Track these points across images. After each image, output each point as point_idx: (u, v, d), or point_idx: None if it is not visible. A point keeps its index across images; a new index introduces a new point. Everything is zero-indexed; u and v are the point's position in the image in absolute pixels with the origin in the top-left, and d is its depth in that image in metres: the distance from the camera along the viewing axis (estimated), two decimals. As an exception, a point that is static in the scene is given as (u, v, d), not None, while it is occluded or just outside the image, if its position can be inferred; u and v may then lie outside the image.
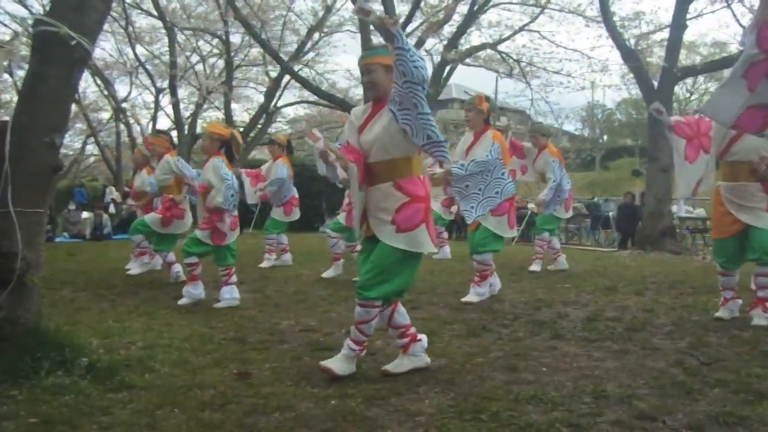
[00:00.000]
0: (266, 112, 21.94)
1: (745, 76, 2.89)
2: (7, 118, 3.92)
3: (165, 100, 23.97)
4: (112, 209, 21.24)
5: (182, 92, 23.14)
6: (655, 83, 13.53)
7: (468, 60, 17.84)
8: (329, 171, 4.00)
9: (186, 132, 21.06)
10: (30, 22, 5.45)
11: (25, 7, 18.85)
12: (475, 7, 16.02)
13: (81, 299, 6.66)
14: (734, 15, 15.32)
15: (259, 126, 22.22)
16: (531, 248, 9.61)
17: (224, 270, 6.41)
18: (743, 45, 3.31)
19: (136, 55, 22.48)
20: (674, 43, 13.41)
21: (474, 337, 4.91)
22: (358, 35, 15.12)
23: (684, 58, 19.99)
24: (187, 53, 22.40)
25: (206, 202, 6.35)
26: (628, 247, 13.82)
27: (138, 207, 8.64)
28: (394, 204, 3.85)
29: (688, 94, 36.19)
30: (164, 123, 27.51)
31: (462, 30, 16.15)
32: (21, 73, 17.10)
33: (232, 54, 21.37)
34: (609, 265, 9.72)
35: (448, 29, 16.50)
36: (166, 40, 20.45)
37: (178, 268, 7.95)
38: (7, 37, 17.65)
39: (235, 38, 21.15)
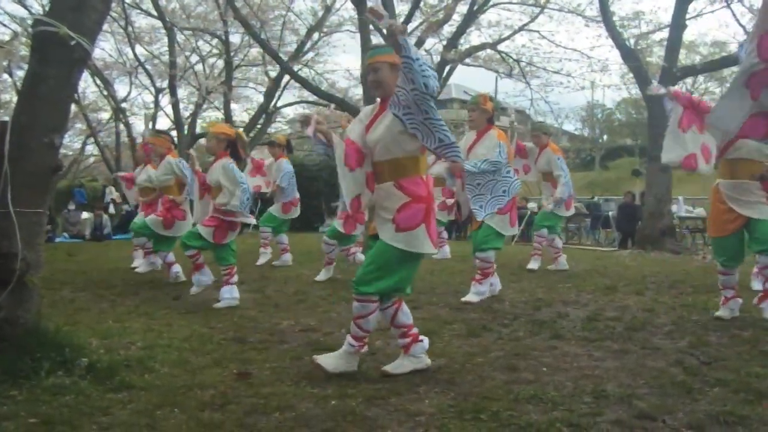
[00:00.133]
0: (266, 112, 21.95)
1: (747, 86, 2.90)
2: (6, 119, 3.92)
3: (164, 100, 23.99)
4: (111, 209, 21.24)
5: (182, 92, 23.19)
6: (655, 83, 13.51)
7: (468, 60, 17.83)
8: (316, 144, 4.10)
9: (186, 132, 21.07)
10: (29, 22, 5.45)
11: (25, 7, 18.85)
12: (475, 7, 16.01)
13: (81, 299, 6.66)
14: (734, 15, 15.36)
15: (259, 126, 22.23)
16: (531, 248, 9.60)
17: (226, 269, 6.42)
18: (742, 55, 3.32)
19: (135, 55, 22.48)
20: (674, 43, 13.41)
21: (474, 337, 4.91)
22: (358, 35, 15.10)
23: (684, 58, 19.98)
24: (187, 53, 22.41)
25: (215, 202, 6.36)
26: (628, 247, 13.83)
27: (145, 202, 8.61)
28: (396, 204, 3.87)
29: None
30: (164, 123, 27.54)
31: (462, 30, 16.15)
32: (21, 74, 17.08)
33: (232, 54, 21.37)
34: (609, 265, 9.72)
35: (448, 29, 16.50)
36: (165, 40, 20.47)
37: (177, 268, 7.96)
38: (7, 38, 17.64)
39: (235, 38, 21.18)
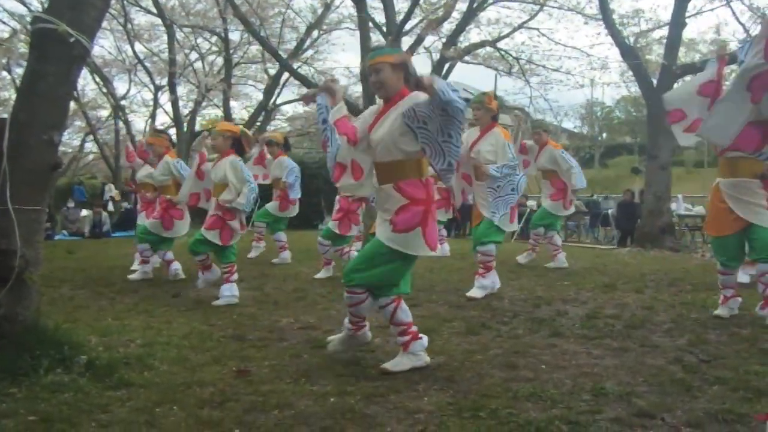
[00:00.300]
0: (265, 109, 21.96)
1: (748, 89, 2.86)
2: (5, 116, 3.91)
3: (164, 98, 23.98)
4: (111, 207, 21.23)
5: (181, 90, 23.19)
6: (655, 81, 13.53)
7: (467, 57, 17.83)
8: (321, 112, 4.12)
9: (185, 129, 21.05)
10: (28, 19, 5.44)
11: (24, 4, 18.80)
12: (475, 5, 15.99)
13: (80, 297, 6.66)
14: (733, 12, 15.31)
15: (258, 123, 22.21)
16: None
17: (226, 267, 6.43)
18: (742, 56, 3.28)
19: (135, 52, 22.48)
20: (673, 41, 13.41)
21: (473, 335, 4.91)
22: (357, 33, 15.09)
23: (683, 56, 19.96)
24: (186, 51, 22.39)
25: (219, 199, 6.36)
26: (628, 245, 13.82)
27: (145, 199, 8.58)
28: (394, 205, 3.91)
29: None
30: (163, 120, 27.51)
31: (461, 27, 16.11)
32: (20, 71, 17.08)
33: (231, 51, 21.37)
34: (608, 263, 9.71)
35: (448, 26, 16.46)
36: (165, 37, 20.45)
37: (177, 265, 7.97)
38: (6, 35, 17.64)
39: (234, 35, 21.18)
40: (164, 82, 22.41)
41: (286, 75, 20.11)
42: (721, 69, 5.19)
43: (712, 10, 15.09)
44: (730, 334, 4.91)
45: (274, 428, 3.04)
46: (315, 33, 20.23)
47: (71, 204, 18.04)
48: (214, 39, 22.10)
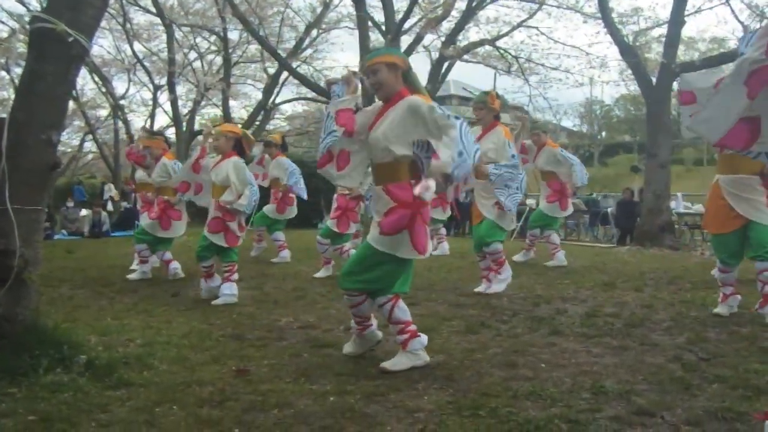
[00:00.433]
0: (264, 108, 21.96)
1: (746, 84, 2.81)
2: (4, 116, 3.91)
3: (163, 97, 24.03)
4: (110, 207, 21.22)
5: (180, 89, 23.19)
6: (654, 79, 13.53)
7: (466, 56, 17.85)
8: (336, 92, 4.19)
9: (184, 129, 21.05)
10: (27, 18, 5.43)
11: (23, 4, 18.80)
12: (474, 3, 16.00)
13: (79, 296, 6.66)
14: (732, 11, 15.34)
15: (258, 123, 22.22)
16: (529, 244, 9.65)
17: (227, 266, 6.42)
18: (743, 48, 3.24)
19: (134, 52, 22.49)
20: (672, 39, 13.41)
21: (473, 334, 4.91)
22: (356, 32, 15.10)
23: (682, 54, 19.98)
24: (185, 50, 22.41)
25: (220, 200, 6.35)
26: (627, 243, 13.83)
27: (152, 199, 8.57)
28: (384, 207, 3.96)
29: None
30: (162, 120, 27.54)
31: (460, 26, 16.13)
32: (18, 71, 17.07)
33: (230, 51, 21.38)
34: (608, 261, 9.72)
35: (447, 25, 16.50)
36: (164, 36, 20.46)
37: (175, 265, 7.97)
38: (5, 34, 17.62)
39: (233, 35, 21.20)
40: (163, 81, 22.43)
41: (285, 74, 20.14)
42: None
43: (711, 8, 15.13)
44: (729, 332, 4.91)
45: (274, 427, 3.03)
46: (314, 32, 20.24)
47: (71, 203, 18.03)
48: (213, 38, 22.11)
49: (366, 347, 4.27)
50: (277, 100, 24.18)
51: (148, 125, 25.06)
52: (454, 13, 15.79)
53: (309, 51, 21.79)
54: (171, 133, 22.13)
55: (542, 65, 18.73)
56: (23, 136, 3.84)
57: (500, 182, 6.32)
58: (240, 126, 8.45)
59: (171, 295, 6.76)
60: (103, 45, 29.59)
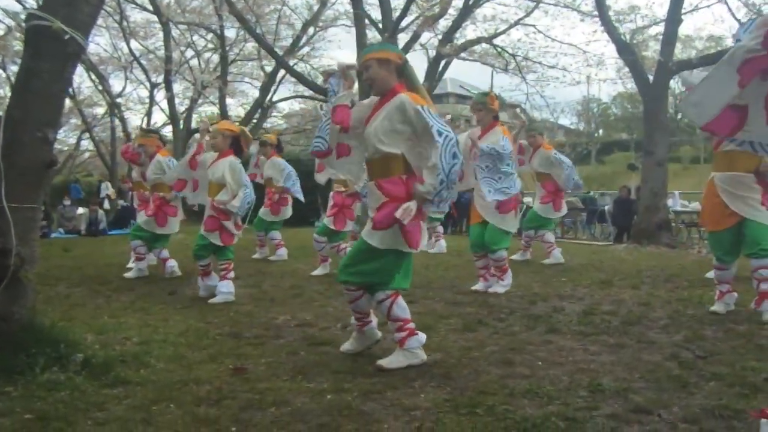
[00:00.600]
0: (261, 106, 21.94)
1: (739, 71, 2.81)
2: (0, 113, 3.90)
3: (160, 95, 23.99)
4: (107, 205, 21.20)
5: (177, 87, 23.13)
6: (651, 77, 13.53)
7: (463, 54, 17.83)
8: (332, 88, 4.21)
9: (181, 127, 21.02)
10: (23, 16, 5.42)
11: (19, 1, 18.74)
12: (471, 1, 15.99)
13: (76, 295, 6.65)
14: (729, 9, 15.35)
15: (255, 121, 22.19)
16: (527, 242, 9.66)
17: (223, 264, 6.42)
18: (741, 34, 3.22)
19: (130, 49, 22.45)
20: (669, 37, 13.41)
21: (470, 332, 4.91)
22: (353, 30, 15.08)
23: (679, 52, 20.01)
24: (182, 48, 22.36)
25: (215, 199, 6.34)
26: (624, 241, 13.84)
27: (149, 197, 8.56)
28: (376, 203, 3.99)
29: (683, 88, 36.17)
30: (159, 118, 27.44)
31: (457, 24, 16.13)
32: (14, 68, 17.03)
33: (227, 49, 21.34)
34: (605, 259, 9.73)
35: (444, 23, 16.48)
36: (160, 34, 20.41)
37: (172, 263, 7.96)
38: (1, 32, 17.56)
39: (230, 33, 21.16)
40: (160, 79, 22.39)
41: (282, 72, 20.13)
42: None
43: (708, 6, 15.09)
44: (726, 330, 4.92)
45: (271, 425, 3.03)
46: (311, 30, 20.20)
47: (67, 202, 18.01)
48: (210, 36, 22.08)
49: (365, 345, 4.28)
50: (275, 98, 24.19)
51: (144, 123, 25.07)
52: (451, 11, 15.78)
53: (306, 49, 21.80)
54: (168, 131, 22.09)
55: (539, 63, 18.73)
56: (19, 134, 3.83)
57: (481, 162, 6.32)
58: (237, 124, 8.43)
59: (168, 293, 6.75)
60: (99, 43, 29.58)
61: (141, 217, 8.28)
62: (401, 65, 4.05)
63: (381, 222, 3.88)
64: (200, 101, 23.74)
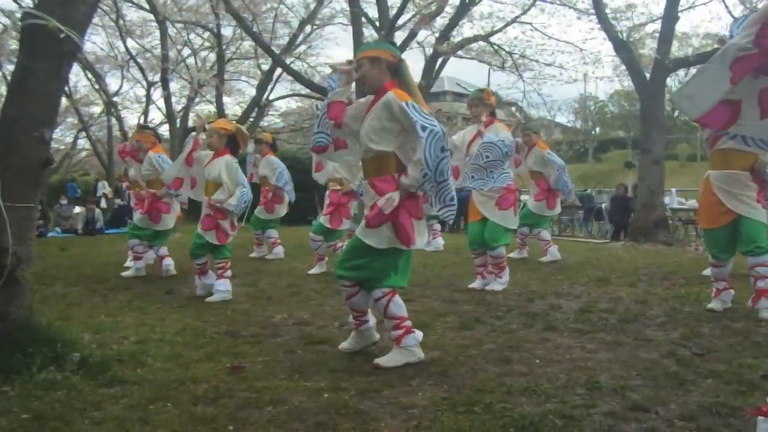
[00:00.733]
0: (258, 105, 21.88)
1: (731, 68, 2.81)
2: (-5, 112, 3.89)
3: (156, 94, 23.89)
4: (104, 204, 21.16)
5: (174, 86, 23.03)
6: (648, 75, 13.53)
7: (460, 52, 17.77)
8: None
9: (178, 125, 20.97)
10: (18, 15, 5.40)
11: (14, 0, 18.68)
12: (467, -1, 15.97)
13: (73, 294, 6.64)
14: (726, 6, 15.34)
15: (252, 119, 22.15)
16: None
17: (220, 263, 6.41)
18: (735, 30, 3.23)
19: (127, 48, 22.35)
20: (666, 35, 13.41)
21: (467, 330, 4.92)
22: (350, 27, 15.07)
23: (676, 50, 20.00)
24: (179, 46, 22.27)
25: (211, 198, 6.34)
26: (621, 239, 13.84)
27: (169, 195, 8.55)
28: (370, 201, 4.03)
29: (680, 86, 36.19)
30: (156, 117, 27.44)
31: (454, 22, 16.08)
32: (10, 68, 16.97)
33: (224, 47, 21.27)
34: (602, 257, 9.73)
35: (440, 21, 16.42)
36: (157, 33, 20.30)
37: (168, 261, 7.96)
38: (-3, 31, 17.49)
39: (227, 31, 21.06)
40: (157, 78, 22.31)
41: (279, 71, 20.07)
42: None
43: (704, 4, 15.10)
44: (723, 327, 4.92)
45: (268, 424, 3.03)
46: (308, 28, 20.16)
47: (64, 201, 17.97)
48: (206, 35, 22.00)
49: (362, 345, 4.29)
50: (271, 97, 24.10)
51: (141, 121, 25.00)
52: (447, 9, 15.72)
53: (303, 47, 21.73)
54: (165, 130, 22.05)
55: (536, 61, 18.67)
56: (15, 134, 3.82)
57: (477, 160, 6.36)
58: (234, 122, 8.43)
59: (165, 292, 6.75)
60: (96, 42, 29.65)
61: (136, 216, 8.29)
62: (395, 63, 4.05)
63: (373, 220, 3.91)
64: (197, 100, 23.63)
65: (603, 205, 16.42)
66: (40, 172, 4.02)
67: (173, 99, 21.64)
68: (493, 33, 18.02)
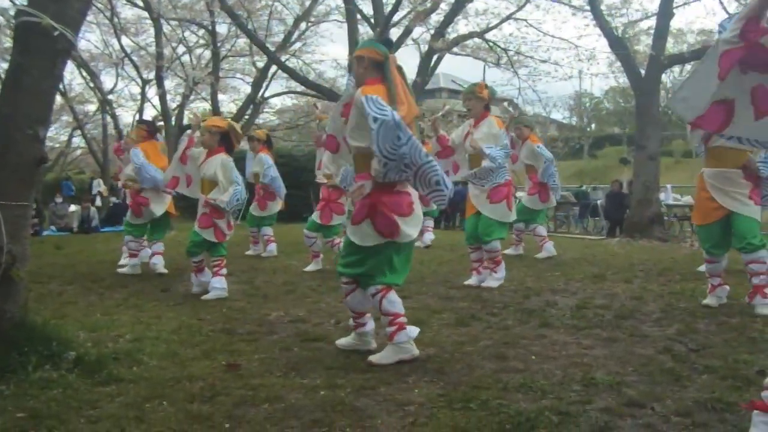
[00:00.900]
0: (253, 102, 21.85)
1: (719, 64, 2.83)
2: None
3: (151, 92, 23.84)
4: (99, 202, 21.11)
5: (169, 83, 23.00)
6: (643, 71, 13.55)
7: (455, 49, 17.79)
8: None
9: (173, 123, 20.93)
10: (12, 12, 5.38)
11: (9, -3, 18.62)
12: (462, -4, 15.95)
13: (69, 293, 6.63)
14: (721, 2, 15.34)
15: (247, 117, 22.12)
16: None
17: (217, 260, 6.41)
18: (726, 26, 3.25)
19: (121, 46, 22.29)
20: (661, 31, 13.42)
21: (463, 326, 4.92)
22: (345, 24, 15.05)
23: (671, 47, 20.03)
24: (174, 44, 22.24)
25: (207, 197, 6.33)
26: (617, 235, 13.85)
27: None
28: (356, 199, 4.08)
29: (675, 90, 36.22)
30: (151, 114, 27.27)
31: (449, 19, 16.07)
32: (4, 65, 16.93)
33: (219, 44, 21.24)
34: (597, 253, 9.75)
35: (436, 18, 16.42)
36: (152, 30, 20.28)
37: (156, 260, 7.94)
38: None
39: (222, 29, 21.03)
40: (152, 75, 22.25)
41: (274, 68, 20.02)
42: None
43: (699, 0, 15.14)
44: (718, 323, 4.94)
45: (265, 422, 3.03)
46: (303, 25, 20.13)
47: (59, 199, 17.92)
48: (201, 32, 21.96)
49: (359, 347, 4.28)
50: (267, 94, 24.07)
51: (137, 119, 24.92)
52: (442, 5, 15.72)
53: (298, 44, 21.69)
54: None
55: (531, 58, 18.70)
56: (9, 131, 3.81)
57: (493, 167, 6.42)
58: (230, 119, 8.42)
59: (161, 290, 6.74)
60: (90, 39, 29.51)
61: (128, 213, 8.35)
62: (380, 61, 4.04)
63: (355, 217, 4.01)
64: (192, 97, 23.61)
65: (598, 202, 16.45)
66: (35, 170, 4.00)
67: (168, 97, 21.64)
68: (488, 30, 18.03)
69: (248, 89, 22.74)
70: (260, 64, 21.30)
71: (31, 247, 4.13)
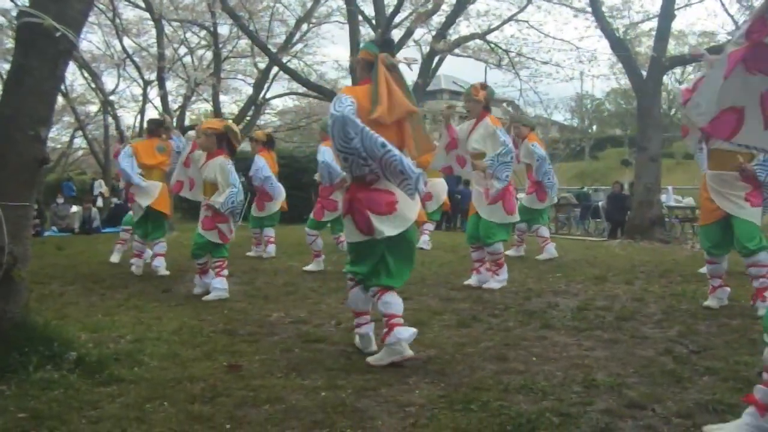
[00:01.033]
0: (255, 103, 21.84)
1: (726, 64, 2.84)
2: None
3: (153, 93, 23.82)
4: (100, 203, 21.11)
5: (170, 84, 23.03)
6: (644, 73, 13.54)
7: (457, 50, 17.77)
8: None
9: (174, 124, 20.93)
10: (14, 13, 5.39)
11: (10, -2, 18.64)
12: (464, -3, 15.95)
13: (70, 293, 6.63)
14: (722, 4, 15.37)
15: (248, 118, 22.12)
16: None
17: (218, 261, 6.41)
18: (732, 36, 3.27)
19: (123, 47, 22.30)
20: (663, 33, 13.42)
21: (464, 328, 4.92)
22: (347, 26, 15.05)
23: (672, 48, 20.00)
24: (175, 45, 22.24)
25: (208, 199, 6.34)
26: (618, 237, 13.85)
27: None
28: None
29: (677, 84, 36.29)
30: (152, 115, 27.29)
31: (451, 20, 16.08)
32: (6, 66, 16.94)
33: (220, 46, 21.23)
34: (599, 255, 9.74)
35: (437, 19, 16.42)
36: (153, 31, 20.26)
37: (158, 262, 7.93)
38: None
39: (223, 30, 21.02)
40: (153, 76, 22.26)
41: (275, 69, 20.03)
42: None
43: (701, 1, 15.21)
44: (719, 324, 4.93)
45: (265, 423, 3.03)
46: (304, 26, 20.12)
47: (60, 200, 17.93)
48: (203, 33, 21.95)
49: (363, 348, 4.29)
50: (268, 95, 24.06)
51: (138, 121, 24.97)
52: (444, 7, 15.73)
53: (299, 45, 21.69)
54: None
55: (533, 59, 18.68)
56: (11, 132, 3.82)
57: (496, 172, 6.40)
58: (230, 120, 8.40)
59: (162, 291, 6.74)
60: (92, 40, 29.51)
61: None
62: (371, 61, 4.08)
63: (342, 212, 4.15)
64: (193, 98, 23.59)
65: (600, 203, 16.45)
66: (36, 170, 4.01)
67: (170, 98, 21.60)
68: (489, 31, 18.03)
69: (250, 90, 22.77)
70: (262, 66, 21.30)
71: (32, 248, 4.14)
